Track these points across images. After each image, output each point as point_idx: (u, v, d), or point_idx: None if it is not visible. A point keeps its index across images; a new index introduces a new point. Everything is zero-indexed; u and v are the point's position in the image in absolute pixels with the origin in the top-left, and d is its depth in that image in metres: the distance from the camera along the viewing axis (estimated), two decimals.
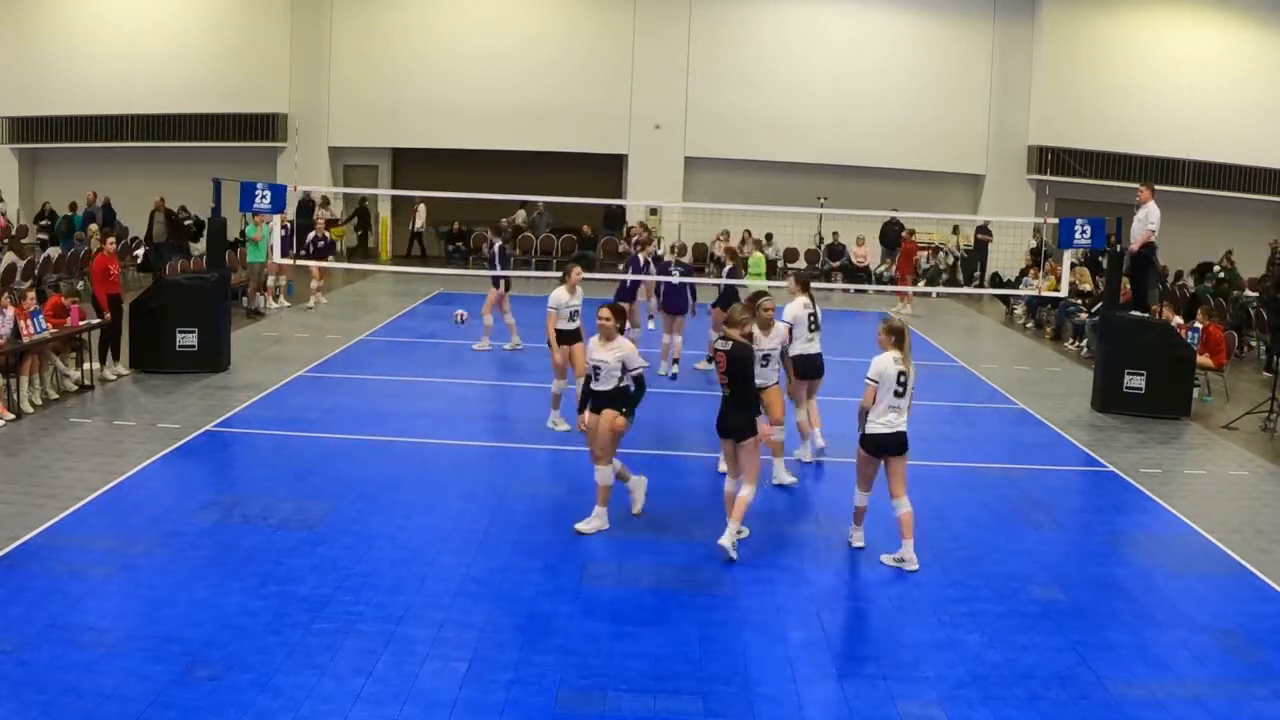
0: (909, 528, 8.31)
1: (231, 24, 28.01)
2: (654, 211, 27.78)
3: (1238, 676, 6.85)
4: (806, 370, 10.68)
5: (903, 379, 8.22)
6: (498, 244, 16.73)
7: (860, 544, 8.65)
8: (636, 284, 15.73)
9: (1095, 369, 14.89)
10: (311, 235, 20.97)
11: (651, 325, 17.34)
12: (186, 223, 24.71)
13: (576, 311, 12.04)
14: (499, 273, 16.24)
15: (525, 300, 18.02)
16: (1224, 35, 27.70)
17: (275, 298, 19.90)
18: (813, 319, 10.71)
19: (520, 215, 27.72)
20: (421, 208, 27.58)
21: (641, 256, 15.77)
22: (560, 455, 11.10)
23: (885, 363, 8.25)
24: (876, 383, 8.21)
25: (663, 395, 14.05)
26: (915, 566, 8.26)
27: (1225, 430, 13.49)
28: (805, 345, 10.62)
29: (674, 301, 14.94)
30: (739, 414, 8.38)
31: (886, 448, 8.25)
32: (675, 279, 15.12)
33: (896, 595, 7.89)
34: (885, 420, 8.20)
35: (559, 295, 11.92)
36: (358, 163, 29.16)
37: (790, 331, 10.39)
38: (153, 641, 6.63)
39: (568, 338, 11.93)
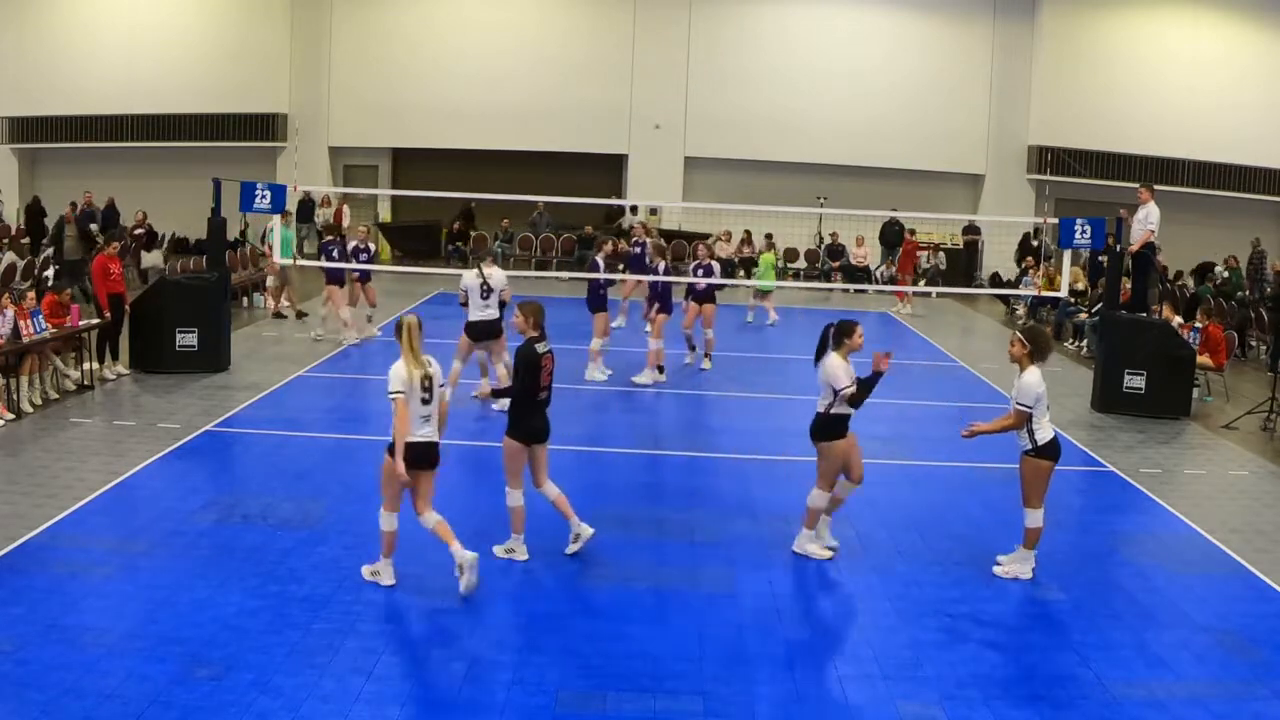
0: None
1: (231, 24, 28.02)
2: (654, 211, 27.77)
3: (1238, 676, 6.85)
4: (479, 333, 12.15)
5: (427, 383, 7.44)
6: (354, 244, 17.27)
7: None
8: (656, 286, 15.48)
9: (1095, 369, 14.89)
10: (353, 245, 17.18)
11: (621, 323, 17.48)
12: (138, 232, 23.30)
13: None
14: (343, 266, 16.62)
15: (527, 300, 17.96)
16: (1224, 35, 27.70)
17: (275, 297, 19.89)
18: (484, 288, 12.11)
19: (635, 218, 27.27)
20: (345, 208, 26.65)
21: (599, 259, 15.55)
22: (561, 455, 11.08)
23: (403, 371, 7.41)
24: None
25: (658, 395, 14.06)
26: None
27: (1225, 430, 13.49)
28: (480, 313, 12.09)
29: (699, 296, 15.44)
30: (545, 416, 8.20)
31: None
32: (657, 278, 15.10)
33: (896, 595, 7.89)
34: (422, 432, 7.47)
35: (468, 278, 12.54)
36: (358, 163, 29.16)
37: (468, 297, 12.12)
38: (153, 641, 6.63)
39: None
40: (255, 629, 6.90)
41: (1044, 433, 8.15)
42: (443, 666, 6.52)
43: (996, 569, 8.34)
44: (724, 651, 6.90)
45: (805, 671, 6.69)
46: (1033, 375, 8.09)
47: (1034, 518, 8.18)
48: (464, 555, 7.43)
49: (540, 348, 8.08)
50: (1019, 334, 8.32)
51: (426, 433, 7.42)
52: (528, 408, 8.06)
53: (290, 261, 17.96)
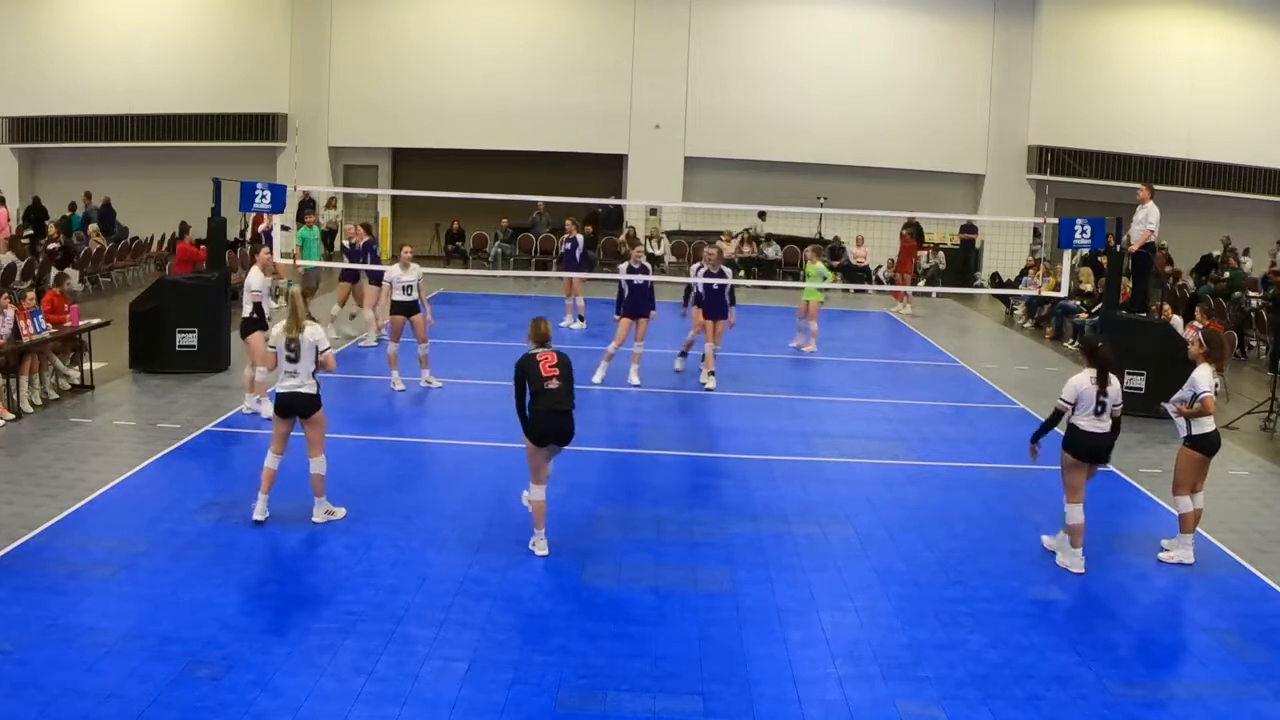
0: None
1: (231, 24, 28.04)
2: (654, 211, 27.76)
3: (1238, 676, 6.85)
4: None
5: (293, 344, 8.67)
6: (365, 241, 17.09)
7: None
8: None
9: None
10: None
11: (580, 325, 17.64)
12: (51, 247, 20.86)
13: (410, 286, 13.75)
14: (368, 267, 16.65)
15: (527, 300, 17.99)
16: (1224, 35, 27.72)
17: (274, 298, 19.80)
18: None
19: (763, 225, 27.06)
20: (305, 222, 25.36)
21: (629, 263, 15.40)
22: (562, 454, 11.07)
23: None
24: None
25: (656, 395, 14.06)
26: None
27: (1225, 430, 13.42)
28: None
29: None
30: (571, 415, 8.24)
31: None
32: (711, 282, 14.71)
33: (896, 595, 7.89)
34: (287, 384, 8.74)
35: (392, 271, 13.87)
36: (358, 163, 29.18)
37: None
38: (153, 641, 6.63)
39: (404, 309, 13.78)
40: (255, 629, 6.90)
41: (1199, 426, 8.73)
42: (443, 666, 6.52)
43: (1161, 555, 8.76)
44: (724, 651, 6.90)
45: (805, 671, 6.69)
46: (1203, 371, 8.85)
47: (1180, 503, 8.76)
48: (261, 510, 8.70)
49: (534, 349, 8.27)
50: (1200, 335, 9.15)
51: (291, 384, 8.65)
52: (539, 408, 8.13)
53: (317, 264, 17.41)
